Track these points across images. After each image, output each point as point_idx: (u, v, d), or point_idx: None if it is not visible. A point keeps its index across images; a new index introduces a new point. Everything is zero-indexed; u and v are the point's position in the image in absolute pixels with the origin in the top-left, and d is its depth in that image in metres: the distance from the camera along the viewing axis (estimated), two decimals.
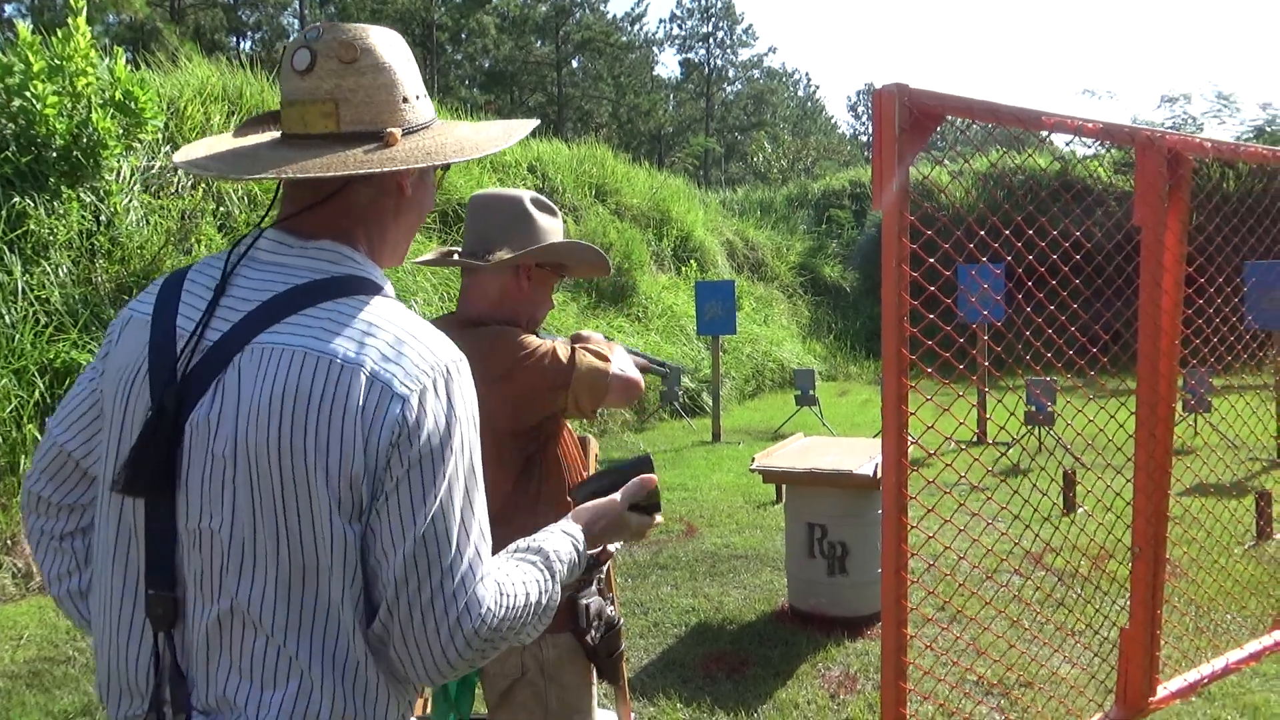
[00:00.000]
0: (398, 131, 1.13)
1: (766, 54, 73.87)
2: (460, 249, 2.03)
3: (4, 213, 6.11)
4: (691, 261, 15.28)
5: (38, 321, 5.99)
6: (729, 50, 52.67)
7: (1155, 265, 2.16)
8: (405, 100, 1.15)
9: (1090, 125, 1.99)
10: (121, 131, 7.05)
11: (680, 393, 11.10)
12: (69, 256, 6.47)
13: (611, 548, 2.05)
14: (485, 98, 39.47)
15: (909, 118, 1.64)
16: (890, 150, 1.63)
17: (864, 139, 59.75)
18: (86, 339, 6.08)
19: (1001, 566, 4.85)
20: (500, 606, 1.07)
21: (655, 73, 52.12)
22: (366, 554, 1.04)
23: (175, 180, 7.73)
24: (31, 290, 6.05)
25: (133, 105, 7.02)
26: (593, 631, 1.90)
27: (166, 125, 7.84)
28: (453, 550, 1.04)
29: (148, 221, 7.15)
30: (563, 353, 1.88)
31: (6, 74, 6.42)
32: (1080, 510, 6.16)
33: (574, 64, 45.80)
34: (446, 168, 1.21)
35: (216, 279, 1.11)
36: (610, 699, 2.25)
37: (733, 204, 21.07)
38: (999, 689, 3.64)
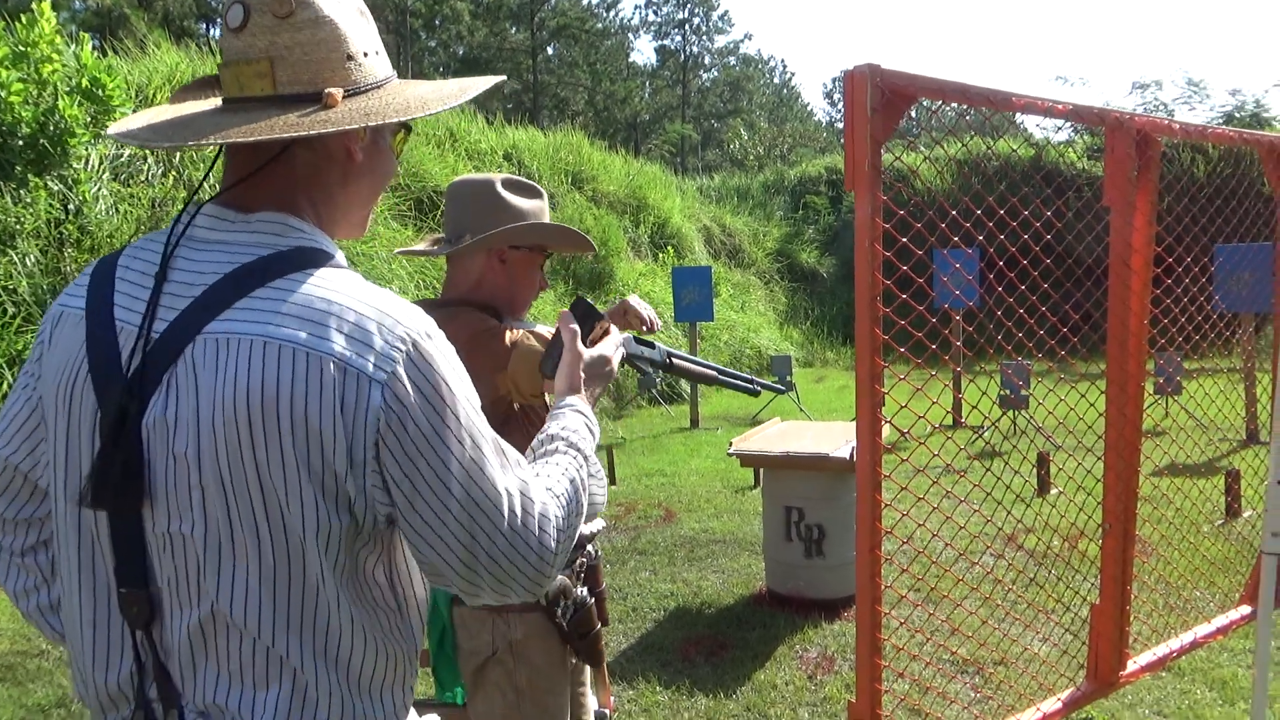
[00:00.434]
0: (338, 92, 1.04)
1: (742, 41, 73.57)
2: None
3: None
4: (669, 248, 15.27)
5: (4, 312, 5.90)
6: (705, 37, 52.56)
7: (1124, 245, 2.19)
8: (350, 58, 1.06)
9: (1060, 106, 2.01)
10: (89, 119, 6.94)
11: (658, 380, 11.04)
12: (37, 246, 6.37)
13: (589, 529, 2.06)
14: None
15: (881, 98, 1.64)
16: (863, 130, 1.64)
17: (840, 126, 59.77)
18: None
19: (976, 546, 4.91)
20: (560, 505, 1.07)
21: (631, 60, 51.96)
22: (417, 541, 1.01)
23: (145, 168, 7.62)
24: None
25: (100, 93, 6.92)
26: (559, 610, 1.91)
27: (135, 113, 7.72)
28: (503, 496, 1.02)
29: (117, 210, 7.06)
30: (508, 338, 1.87)
31: None
32: (1054, 491, 6.24)
33: (549, 51, 45.53)
34: (408, 133, 1.17)
35: (153, 264, 1.03)
36: (591, 682, 2.26)
37: (709, 191, 21.06)
38: (973, 666, 3.69)
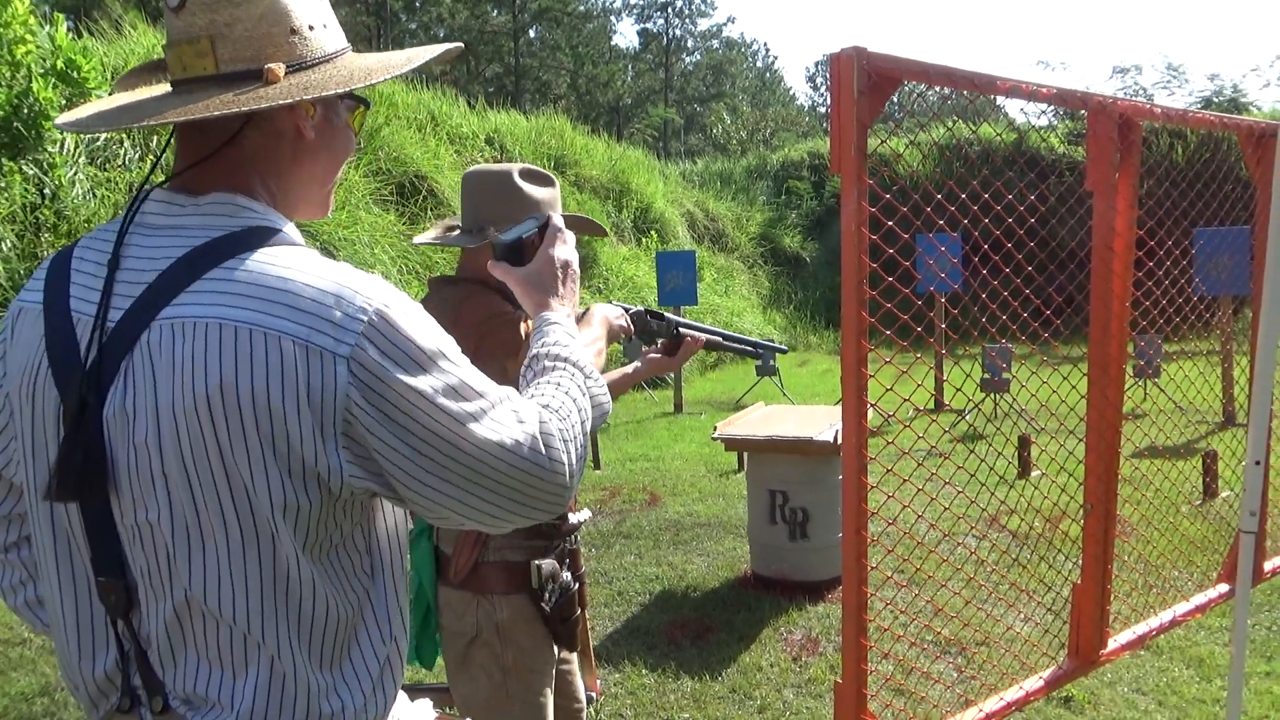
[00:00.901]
0: (279, 67, 1.00)
1: (725, 24, 73.32)
2: (460, 224, 2.06)
3: None
4: (652, 233, 15.25)
5: None
6: (687, 20, 52.29)
7: (1107, 229, 2.20)
8: (294, 31, 1.03)
9: (1044, 90, 2.01)
10: (64, 102, 6.85)
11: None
12: (13, 231, 6.29)
13: (575, 518, 2.06)
14: (440, 68, 38.85)
15: (867, 81, 1.64)
16: (849, 113, 1.63)
17: (822, 110, 59.81)
18: None
19: (960, 528, 4.95)
20: (560, 418, 1.05)
21: (614, 43, 51.66)
22: (424, 504, 0.99)
23: (122, 152, 7.53)
24: None
25: (75, 75, 6.82)
26: (546, 595, 1.92)
27: (111, 95, 7.62)
28: (503, 432, 0.99)
29: (94, 194, 6.98)
30: (522, 328, 1.90)
31: None
32: (1035, 473, 6.29)
33: (531, 33, 45.20)
34: (366, 109, 1.15)
35: (106, 253, 1.01)
36: (578, 666, 2.27)
37: (693, 175, 21.03)
38: (956, 646, 3.73)
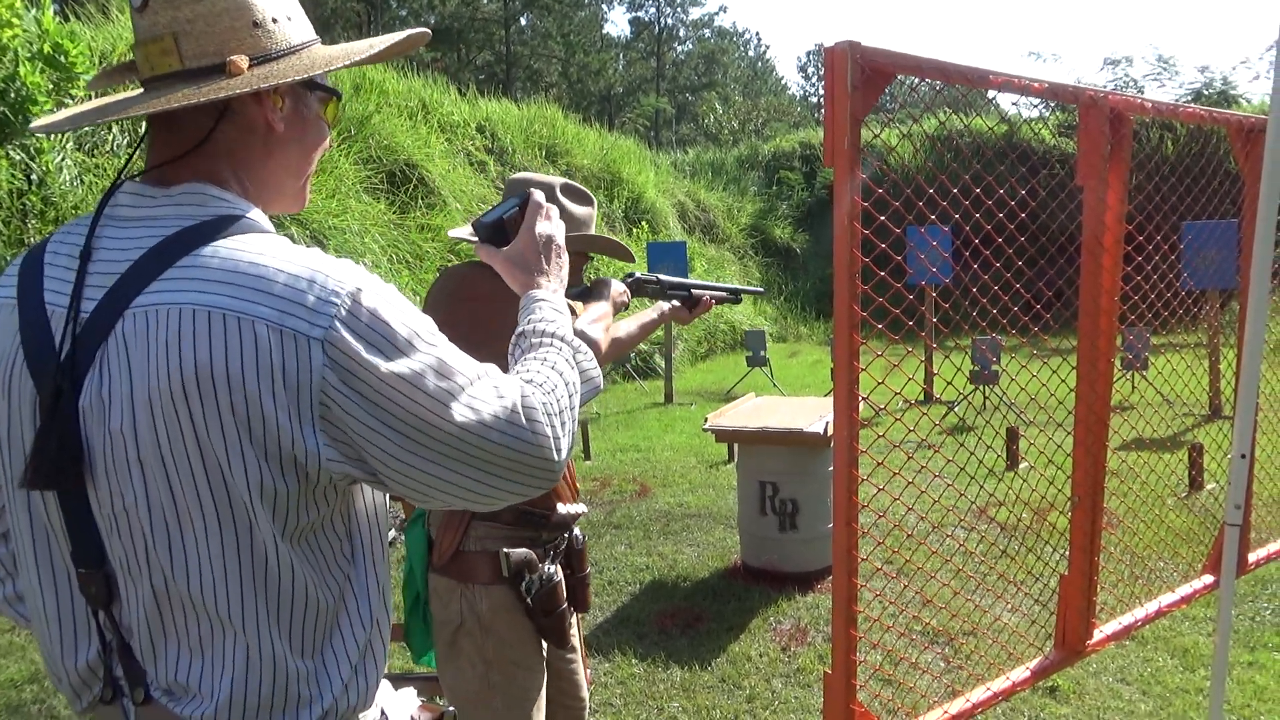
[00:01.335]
0: (241, 60, 1.01)
1: (717, 13, 73.31)
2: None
3: None
4: (643, 223, 15.23)
5: None
6: (679, 9, 52.11)
7: (1097, 223, 2.21)
8: (257, 24, 1.04)
9: (1036, 85, 2.02)
10: (51, 87, 6.77)
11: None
12: None
13: (570, 510, 2.06)
14: (431, 55, 38.63)
15: (861, 75, 1.64)
16: (843, 108, 1.64)
17: (814, 100, 59.77)
18: None
19: (948, 519, 4.98)
20: (544, 391, 1.05)
21: (605, 31, 51.44)
22: (409, 486, 1.00)
23: (110, 139, 7.47)
24: None
25: (63, 59, 6.74)
26: (524, 585, 1.92)
27: (87, 99, 7.55)
28: (485, 411, 0.99)
29: (82, 181, 6.93)
30: None
31: None
32: (1023, 465, 6.33)
33: (522, 21, 44.95)
34: (338, 100, 1.15)
35: (79, 246, 1.02)
36: None
37: (684, 165, 20.99)
38: (944, 637, 3.76)
